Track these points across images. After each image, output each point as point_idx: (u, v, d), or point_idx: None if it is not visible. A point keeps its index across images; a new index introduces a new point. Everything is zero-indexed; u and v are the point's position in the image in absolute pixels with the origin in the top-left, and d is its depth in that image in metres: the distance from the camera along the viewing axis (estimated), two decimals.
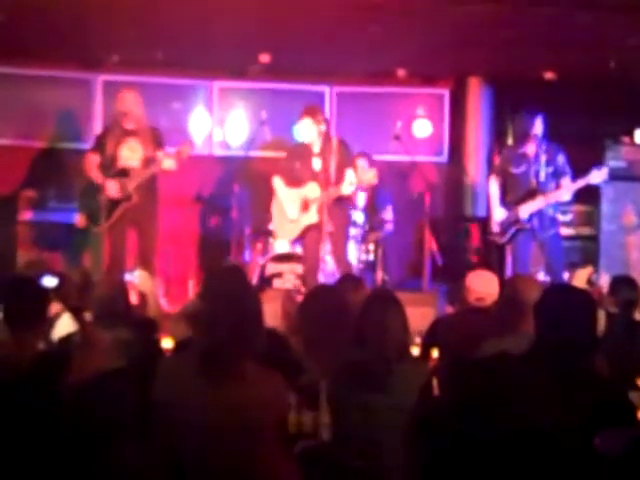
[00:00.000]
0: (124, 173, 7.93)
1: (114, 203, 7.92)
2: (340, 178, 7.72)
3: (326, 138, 7.80)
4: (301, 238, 8.02)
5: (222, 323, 3.63)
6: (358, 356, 4.23)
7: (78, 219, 8.30)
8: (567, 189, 7.90)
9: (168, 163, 7.91)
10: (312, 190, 7.78)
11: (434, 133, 10.45)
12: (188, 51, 9.26)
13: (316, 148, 7.81)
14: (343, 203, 7.98)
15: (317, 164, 7.82)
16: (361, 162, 8.91)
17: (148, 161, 7.95)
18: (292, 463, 3.80)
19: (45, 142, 10.18)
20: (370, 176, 7.80)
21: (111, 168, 7.96)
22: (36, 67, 9.91)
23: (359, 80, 10.35)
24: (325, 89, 10.04)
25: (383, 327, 4.23)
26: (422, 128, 10.38)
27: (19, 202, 9.35)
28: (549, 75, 9.73)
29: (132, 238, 8.08)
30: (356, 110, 10.24)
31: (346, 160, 7.79)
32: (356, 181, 7.75)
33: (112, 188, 7.88)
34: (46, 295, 4.49)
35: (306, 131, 7.81)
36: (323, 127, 7.83)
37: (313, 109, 8.05)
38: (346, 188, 7.72)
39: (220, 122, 10.35)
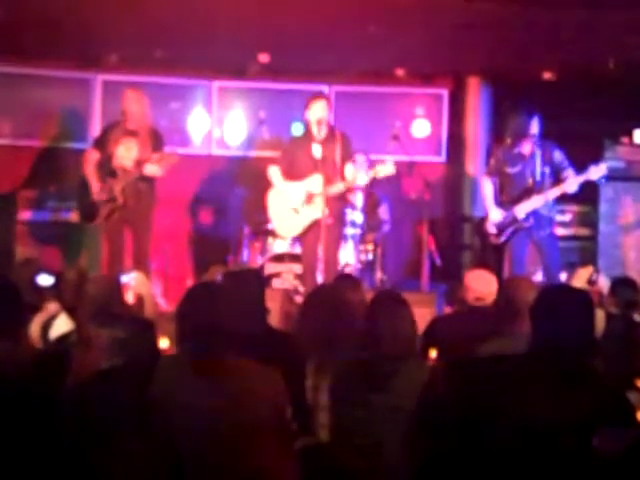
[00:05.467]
0: (113, 174, 7.94)
1: (101, 203, 7.94)
2: (341, 171, 7.69)
3: (330, 128, 7.79)
4: (304, 234, 7.91)
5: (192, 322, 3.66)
6: (362, 355, 4.23)
7: (73, 214, 8.32)
8: (572, 181, 7.86)
9: (151, 169, 7.89)
10: (316, 183, 7.71)
11: (433, 133, 10.46)
12: (187, 51, 9.26)
13: (319, 136, 7.76)
14: (342, 199, 7.95)
15: (317, 151, 7.76)
16: (360, 158, 8.86)
17: (140, 163, 7.95)
18: (291, 460, 3.80)
19: (44, 141, 10.18)
20: (390, 168, 7.65)
21: (107, 167, 7.97)
22: (35, 66, 9.90)
23: (358, 80, 10.34)
24: (324, 88, 10.03)
25: (394, 328, 4.23)
26: (421, 128, 10.39)
27: (18, 201, 9.36)
28: (548, 75, 9.73)
29: (128, 238, 8.08)
30: (355, 110, 10.23)
31: (348, 154, 7.76)
32: (360, 175, 7.70)
33: (100, 190, 7.92)
34: (19, 300, 4.28)
35: (320, 111, 7.74)
36: (330, 116, 7.86)
37: (326, 96, 8.10)
38: (361, 179, 7.70)
39: (219, 122, 10.36)
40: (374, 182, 7.98)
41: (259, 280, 5.06)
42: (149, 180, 8.03)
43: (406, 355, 4.25)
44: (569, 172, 7.91)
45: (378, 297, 4.59)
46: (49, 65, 9.92)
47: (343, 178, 7.67)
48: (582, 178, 7.86)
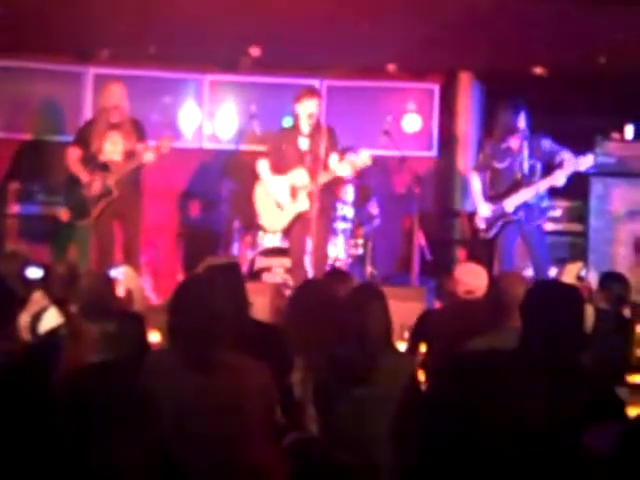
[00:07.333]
0: (105, 167, 7.93)
1: (96, 198, 7.93)
2: (325, 163, 7.71)
3: (317, 123, 7.80)
4: (290, 228, 7.93)
5: (185, 317, 3.65)
6: (342, 350, 4.24)
7: (62, 213, 8.31)
8: (560, 173, 7.82)
9: (148, 156, 7.90)
10: (300, 177, 7.73)
11: (424, 128, 10.45)
12: (179, 45, 9.23)
13: (306, 129, 7.78)
14: (330, 193, 7.96)
15: (304, 144, 7.78)
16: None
17: (129, 154, 7.94)
18: (280, 455, 3.80)
19: (34, 135, 10.15)
20: (365, 158, 7.71)
21: (93, 162, 7.95)
22: (27, 59, 9.87)
23: (349, 74, 10.33)
24: (315, 83, 10.02)
25: (364, 321, 4.24)
26: (412, 123, 10.37)
27: (6, 195, 9.34)
28: (539, 70, 9.73)
29: (117, 231, 8.07)
30: (346, 104, 10.22)
31: (332, 146, 7.78)
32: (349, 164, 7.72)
33: (93, 185, 7.90)
34: (9, 296, 4.33)
35: (312, 107, 7.75)
36: (320, 111, 7.89)
37: (318, 93, 8.11)
38: (342, 169, 7.71)
39: (210, 115, 10.33)
40: (362, 175, 7.99)
41: (238, 273, 5.01)
42: (137, 172, 8.04)
43: (383, 347, 4.27)
44: (564, 154, 7.87)
45: (352, 292, 4.60)
46: (41, 58, 9.88)
47: (326, 169, 7.69)
48: (570, 170, 7.84)
